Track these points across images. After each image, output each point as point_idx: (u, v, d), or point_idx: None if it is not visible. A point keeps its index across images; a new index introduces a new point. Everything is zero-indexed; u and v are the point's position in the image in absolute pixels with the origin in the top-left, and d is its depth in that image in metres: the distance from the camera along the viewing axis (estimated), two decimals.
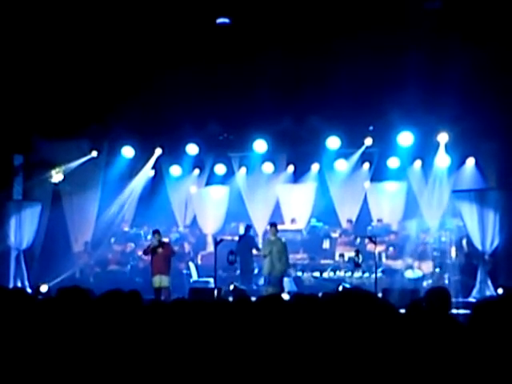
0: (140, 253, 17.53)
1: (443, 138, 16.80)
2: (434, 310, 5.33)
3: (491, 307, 3.21)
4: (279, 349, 3.05)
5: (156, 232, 15.18)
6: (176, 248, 16.85)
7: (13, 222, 17.11)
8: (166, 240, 16.03)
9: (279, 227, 15.71)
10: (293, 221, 19.31)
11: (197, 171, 20.05)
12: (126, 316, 3.75)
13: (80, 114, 15.97)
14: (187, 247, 18.94)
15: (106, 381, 3.35)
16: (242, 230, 18.16)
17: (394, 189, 19.09)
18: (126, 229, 19.97)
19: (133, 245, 19.01)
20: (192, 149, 18.78)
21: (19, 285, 16.38)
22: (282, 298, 3.59)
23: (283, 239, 15.30)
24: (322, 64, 13.96)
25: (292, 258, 17.73)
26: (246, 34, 13.56)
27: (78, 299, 4.15)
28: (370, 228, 18.48)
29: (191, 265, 18.28)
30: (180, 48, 13.70)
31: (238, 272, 17.11)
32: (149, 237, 19.17)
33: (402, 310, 4.93)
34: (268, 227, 16.05)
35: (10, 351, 3.67)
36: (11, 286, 15.89)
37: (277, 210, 19.53)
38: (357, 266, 15.49)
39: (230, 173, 19.85)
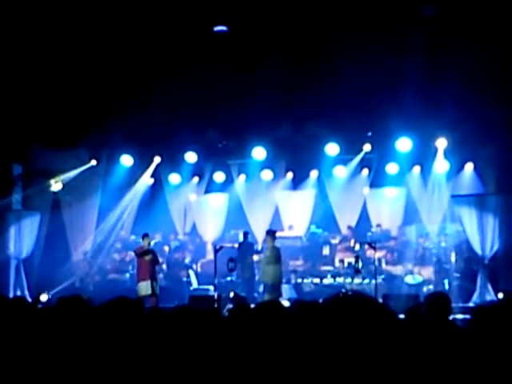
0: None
1: (442, 143, 16.82)
2: (434, 315, 5.32)
3: (491, 312, 3.20)
4: (279, 355, 3.04)
5: (146, 236, 15.39)
6: (176, 255, 16.75)
7: (12, 231, 17.10)
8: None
9: (278, 234, 15.63)
10: (290, 227, 19.29)
11: (196, 179, 20.04)
12: (127, 324, 3.74)
13: (78, 123, 15.97)
14: (187, 255, 18.92)
15: None
16: (241, 238, 18.14)
17: (394, 194, 19.10)
18: (126, 237, 19.93)
19: (132, 253, 18.96)
20: (191, 157, 18.78)
21: (19, 294, 16.35)
22: (280, 304, 3.58)
23: (278, 245, 15.12)
24: (320, 71, 13.98)
25: (292, 264, 17.78)
26: (243, 42, 13.59)
27: (78, 308, 4.14)
28: (369, 234, 18.47)
29: (191, 272, 18.25)
30: (178, 56, 13.72)
31: (239, 280, 17.07)
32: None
33: (402, 316, 4.93)
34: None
35: (10, 359, 3.66)
36: (11, 295, 15.86)
37: (276, 217, 19.51)
38: (357, 272, 15.43)
39: (229, 180, 19.84)
